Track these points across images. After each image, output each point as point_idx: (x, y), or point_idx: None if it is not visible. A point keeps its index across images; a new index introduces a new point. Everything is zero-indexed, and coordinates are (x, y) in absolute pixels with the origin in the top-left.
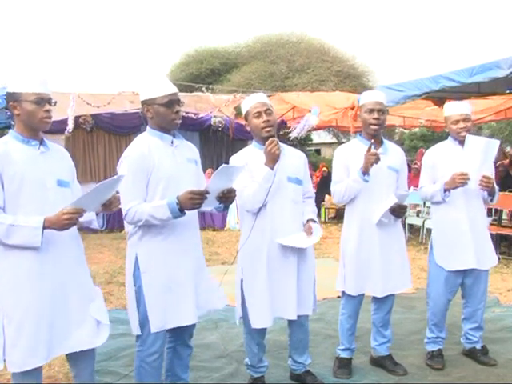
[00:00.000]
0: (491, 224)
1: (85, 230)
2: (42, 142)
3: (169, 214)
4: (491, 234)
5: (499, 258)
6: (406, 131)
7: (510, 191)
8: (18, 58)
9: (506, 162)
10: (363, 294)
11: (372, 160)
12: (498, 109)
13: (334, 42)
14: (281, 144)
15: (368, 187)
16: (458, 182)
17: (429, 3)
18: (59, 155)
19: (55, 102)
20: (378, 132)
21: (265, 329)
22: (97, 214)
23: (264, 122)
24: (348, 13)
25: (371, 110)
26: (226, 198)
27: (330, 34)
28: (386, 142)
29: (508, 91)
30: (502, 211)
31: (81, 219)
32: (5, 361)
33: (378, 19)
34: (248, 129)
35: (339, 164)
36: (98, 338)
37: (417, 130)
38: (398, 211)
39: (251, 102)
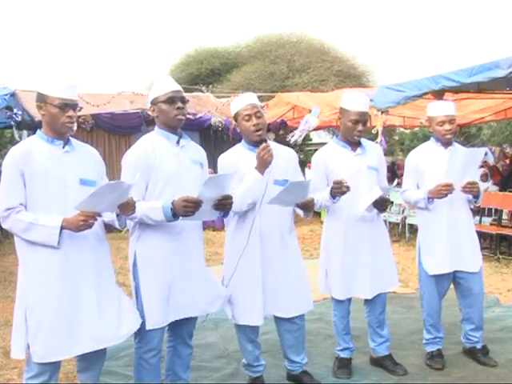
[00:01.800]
0: (491, 224)
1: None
2: (67, 142)
3: (162, 216)
4: (491, 234)
5: (499, 258)
6: (407, 131)
7: (510, 191)
8: (18, 58)
9: (507, 161)
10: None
11: (340, 192)
12: (497, 109)
13: (334, 42)
14: (271, 143)
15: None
16: (443, 193)
17: (429, 3)
18: (86, 154)
19: (80, 108)
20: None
21: (258, 326)
22: (117, 215)
23: (254, 125)
24: (348, 13)
25: (356, 122)
26: (222, 205)
27: (330, 34)
28: (363, 141)
29: (508, 89)
30: (501, 211)
31: (104, 219)
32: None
33: (378, 19)
34: (238, 130)
35: (317, 172)
36: (115, 337)
37: (417, 129)
38: (380, 204)
39: (241, 103)
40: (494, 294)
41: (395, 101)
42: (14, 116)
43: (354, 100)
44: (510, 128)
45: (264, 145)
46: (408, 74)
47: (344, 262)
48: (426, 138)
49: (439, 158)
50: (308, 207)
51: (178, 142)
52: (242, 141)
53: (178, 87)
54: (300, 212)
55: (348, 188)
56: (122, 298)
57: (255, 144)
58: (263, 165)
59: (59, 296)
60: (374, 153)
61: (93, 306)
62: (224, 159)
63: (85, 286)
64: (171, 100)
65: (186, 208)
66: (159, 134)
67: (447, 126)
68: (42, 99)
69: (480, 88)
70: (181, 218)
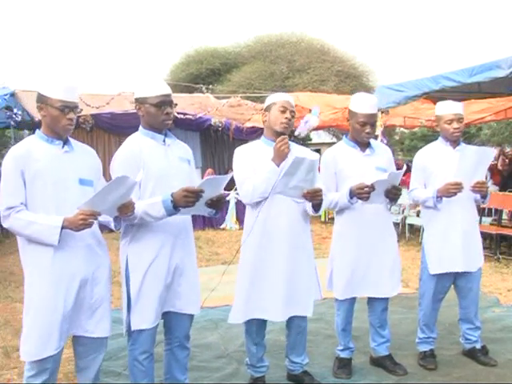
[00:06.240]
0: (491, 224)
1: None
2: (66, 142)
3: (163, 211)
4: (491, 234)
5: (499, 258)
6: (407, 131)
7: (510, 191)
8: (18, 58)
9: (507, 161)
10: (354, 297)
11: (360, 196)
12: (498, 109)
13: (334, 42)
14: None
15: None
16: (452, 191)
17: (429, 3)
18: (84, 154)
19: (81, 110)
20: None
21: (263, 329)
22: (116, 216)
23: (286, 118)
24: (348, 13)
25: (364, 124)
26: (215, 204)
27: (330, 34)
28: (372, 142)
29: (510, 91)
30: (501, 211)
31: (100, 219)
32: None
33: (378, 19)
34: (264, 118)
35: (326, 172)
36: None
37: (417, 129)
38: (392, 192)
39: (282, 97)
40: (494, 294)
41: (395, 101)
42: (13, 116)
43: (361, 102)
44: (509, 128)
45: (281, 137)
46: (408, 73)
47: (347, 262)
48: (424, 138)
49: (447, 157)
50: (316, 197)
51: (164, 141)
52: (262, 136)
53: (169, 90)
54: (309, 208)
55: (368, 195)
56: (107, 301)
57: (275, 139)
58: (280, 156)
59: (50, 297)
60: (382, 154)
61: (86, 303)
62: (240, 152)
63: (80, 284)
64: (161, 104)
65: (187, 198)
66: (144, 134)
67: (455, 125)
68: (42, 100)
69: (481, 89)
70: (181, 210)
